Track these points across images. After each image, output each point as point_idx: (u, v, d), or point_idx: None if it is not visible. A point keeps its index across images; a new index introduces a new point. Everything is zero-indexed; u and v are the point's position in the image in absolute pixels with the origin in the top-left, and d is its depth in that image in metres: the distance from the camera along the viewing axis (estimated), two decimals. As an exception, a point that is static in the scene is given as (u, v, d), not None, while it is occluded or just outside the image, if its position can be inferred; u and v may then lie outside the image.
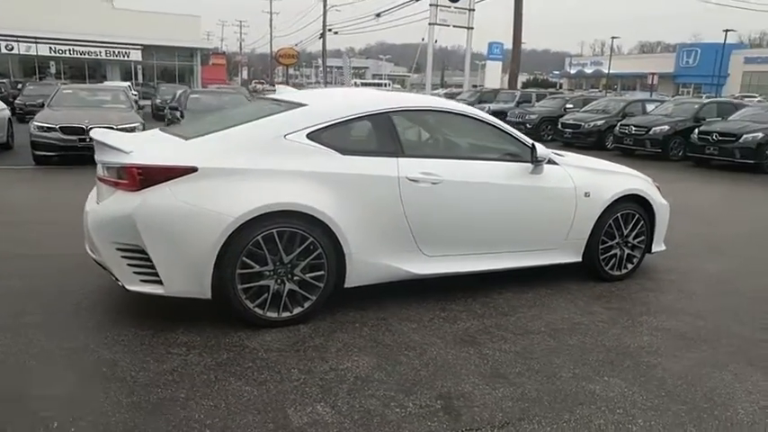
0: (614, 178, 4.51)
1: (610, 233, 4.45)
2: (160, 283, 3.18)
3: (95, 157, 3.51)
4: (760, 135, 12.04)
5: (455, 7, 27.35)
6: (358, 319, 3.59)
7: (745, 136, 12.14)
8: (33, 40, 31.97)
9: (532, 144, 4.07)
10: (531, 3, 28.08)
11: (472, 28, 28.36)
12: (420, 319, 3.65)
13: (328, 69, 71.36)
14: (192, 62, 38.56)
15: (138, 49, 34.46)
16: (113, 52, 34.08)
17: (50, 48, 32.82)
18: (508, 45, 62.83)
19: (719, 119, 14.15)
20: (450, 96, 32.00)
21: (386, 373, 2.94)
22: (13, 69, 33.07)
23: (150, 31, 33.78)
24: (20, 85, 23.69)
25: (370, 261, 3.57)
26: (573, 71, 64.60)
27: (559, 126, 16.92)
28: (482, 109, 21.88)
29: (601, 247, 4.42)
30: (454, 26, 28.02)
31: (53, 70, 33.29)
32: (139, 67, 36.37)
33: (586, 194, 4.27)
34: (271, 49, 70.63)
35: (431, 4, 26.70)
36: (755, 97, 39.12)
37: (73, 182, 8.36)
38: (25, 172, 9.44)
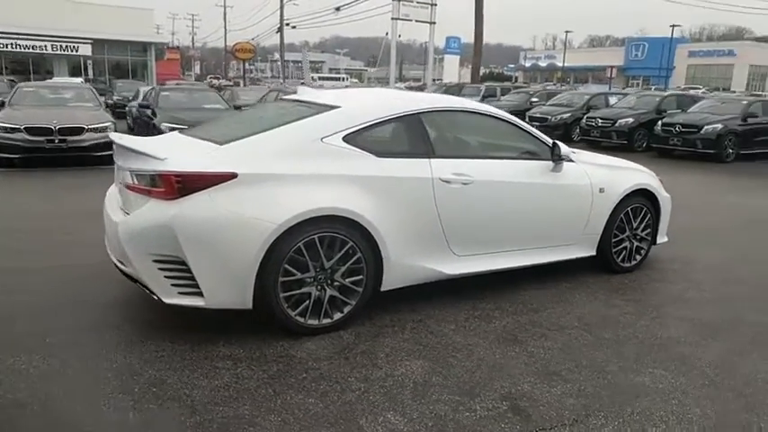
0: (625, 174, 4.64)
1: (621, 227, 4.58)
2: (200, 295, 3.07)
3: (119, 163, 3.35)
4: (719, 126, 12.64)
5: (417, 2, 27.39)
6: (396, 322, 3.57)
7: (706, 127, 12.71)
8: (-31, 33, 30.08)
9: (553, 142, 4.13)
10: (483, -3, 28.47)
11: (434, 23, 28.42)
12: (456, 319, 3.66)
13: (285, 64, 70.24)
14: (146, 57, 37.14)
15: (87, 43, 32.88)
16: (60, 46, 32.38)
17: (-10, 41, 30.93)
18: (465, 39, 63.55)
19: (679, 111, 14.78)
20: (415, 90, 32.12)
21: (442, 376, 2.93)
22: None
23: (101, 24, 32.29)
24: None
25: (405, 263, 3.55)
26: (528, 65, 65.98)
27: (527, 120, 17.24)
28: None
29: (613, 240, 4.55)
30: (417, 21, 28.09)
31: (-9, 66, 31.42)
32: (90, 62, 34.75)
33: (601, 190, 4.38)
34: (225, 43, 68.98)
35: (393, -1, 26.66)
36: (699, 89, 41.05)
37: (47, 186, 7.96)
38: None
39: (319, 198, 3.21)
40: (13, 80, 21.05)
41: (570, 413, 2.63)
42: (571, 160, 4.28)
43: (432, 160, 3.64)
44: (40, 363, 2.91)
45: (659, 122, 13.79)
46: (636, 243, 4.71)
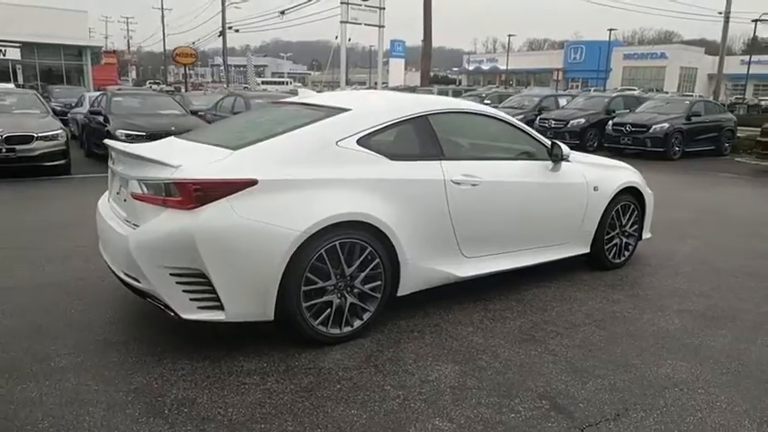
0: (615, 172, 4.79)
1: (612, 224, 4.72)
2: (221, 308, 2.92)
3: (121, 171, 3.15)
4: (666, 125, 13.34)
5: (366, 5, 27.46)
6: (413, 327, 3.53)
7: (654, 127, 13.38)
8: None
9: (552, 142, 4.22)
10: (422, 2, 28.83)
11: (383, 26, 28.62)
12: (471, 321, 3.66)
13: (222, 69, 68.49)
14: (82, 61, 35.36)
15: (16, 46, 30.97)
16: (-15, 50, 30.41)
17: None
18: (409, 42, 64.07)
19: (627, 111, 15.48)
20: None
21: (475, 379, 2.92)
22: None
23: (30, 26, 30.49)
24: None
25: (420, 267, 3.52)
26: (471, 68, 67.45)
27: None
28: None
29: (605, 237, 4.69)
30: (366, 24, 28.19)
31: None
32: (19, 66, 32.75)
33: (595, 189, 4.50)
34: (164, 47, 66.75)
35: (342, 2, 26.59)
36: (635, 90, 43.22)
37: (1, 200, 7.41)
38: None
39: (340, 203, 3.13)
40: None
41: (609, 408, 2.68)
42: (568, 160, 4.37)
43: (443, 162, 3.63)
44: (51, 389, 2.68)
45: (610, 122, 14.41)
46: (624, 239, 4.88)
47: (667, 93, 41.13)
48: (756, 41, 45.48)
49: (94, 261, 4.62)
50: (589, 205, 4.48)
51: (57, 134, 9.30)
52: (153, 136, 10.23)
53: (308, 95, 4.06)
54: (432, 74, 75.88)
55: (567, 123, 15.27)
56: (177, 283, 2.87)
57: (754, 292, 4.38)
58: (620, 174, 4.81)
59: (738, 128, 15.29)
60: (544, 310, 3.90)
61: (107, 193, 3.83)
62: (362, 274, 3.26)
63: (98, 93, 13.67)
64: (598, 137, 15.03)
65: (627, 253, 4.93)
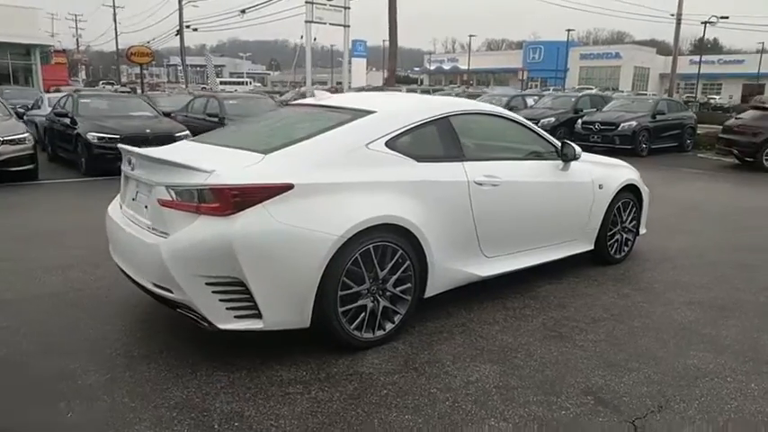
0: (617, 170, 4.92)
1: (614, 220, 4.85)
2: (258, 317, 2.85)
3: (144, 177, 3.03)
4: (634, 123, 13.79)
5: (331, 5, 27.31)
6: (441, 328, 3.53)
7: (622, 125, 13.82)
8: None
9: (563, 142, 4.30)
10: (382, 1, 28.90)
11: (349, 26, 28.53)
12: (494, 319, 3.69)
13: (179, 69, 66.57)
14: (30, 61, 33.85)
15: (-42, 45, 29.42)
16: (-76, 50, 28.69)
17: None
18: (371, 42, 63.97)
19: (594, 109, 15.93)
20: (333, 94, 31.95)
21: (517, 378, 2.94)
22: None
23: (-26, 24, 29.01)
24: None
25: (446, 268, 3.53)
26: (432, 67, 68.01)
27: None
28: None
29: (608, 234, 4.81)
30: (331, 24, 28.03)
31: None
32: (-39, 66, 31.10)
33: (600, 187, 4.62)
34: (117, 46, 64.57)
35: (306, 2, 26.38)
36: (592, 89, 44.48)
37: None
38: None
39: (374, 206, 3.10)
40: None
41: (651, 401, 2.75)
42: (577, 159, 4.44)
43: (465, 163, 3.65)
44: (88, 409, 2.55)
45: (579, 121, 14.80)
46: (625, 235, 5.02)
47: (622, 92, 42.54)
48: (702, 42, 47.58)
49: (91, 270, 4.46)
50: (595, 203, 4.59)
51: (23, 138, 8.88)
52: (128, 140, 9.93)
53: (324, 97, 4.00)
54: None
55: (538, 122, 15.49)
56: (213, 292, 2.78)
57: (750, 282, 4.58)
58: (621, 172, 4.95)
59: (694, 125, 15.95)
60: (561, 306, 3.97)
61: (117, 198, 3.69)
62: (394, 277, 3.25)
63: (61, 94, 13.08)
64: (567, 135, 15.39)
65: (626, 248, 5.08)
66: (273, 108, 13.04)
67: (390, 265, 3.21)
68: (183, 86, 44.70)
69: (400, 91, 23.20)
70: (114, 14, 63.75)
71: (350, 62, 63.13)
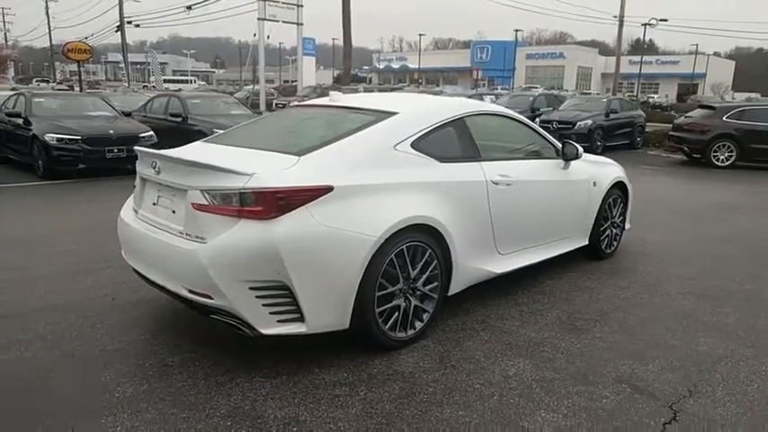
0: (606, 168, 5.14)
1: (604, 216, 5.07)
2: (301, 320, 2.82)
3: (180, 181, 2.93)
4: (590, 122, 14.37)
5: (283, 2, 26.96)
6: (461, 325, 3.61)
7: (579, 123, 14.36)
8: None
9: (564, 142, 4.46)
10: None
11: (302, 24, 28.28)
12: (511, 315, 3.80)
13: (120, 66, 63.65)
14: (-42, 57, 31.65)
15: None
16: None
17: None
18: (320, 40, 63.31)
19: (551, 108, 16.47)
20: (288, 93, 31.55)
21: (551, 370, 3.05)
22: None
23: None
24: None
25: (467, 266, 3.60)
26: (381, 66, 68.24)
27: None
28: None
29: (600, 229, 5.02)
30: (284, 22, 27.67)
31: None
32: None
33: (594, 184, 4.82)
34: (51, 41, 61.34)
35: (259, -1, 25.93)
36: (538, 88, 45.92)
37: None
38: None
39: (408, 207, 3.14)
40: None
41: (680, 386, 2.91)
42: (578, 159, 4.61)
43: (482, 163, 3.73)
44: (138, 422, 2.46)
45: (537, 120, 15.24)
46: (614, 230, 5.25)
47: (567, 91, 44.09)
48: (640, 43, 49.94)
49: (86, 278, 4.27)
50: (591, 200, 4.79)
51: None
52: (90, 140, 9.50)
53: (339, 98, 3.98)
54: (341, 72, 76.07)
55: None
56: (257, 297, 2.74)
57: (731, 272, 4.90)
58: (611, 169, 5.18)
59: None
60: (568, 300, 4.13)
61: (130, 202, 3.55)
62: (424, 276, 3.29)
63: (9, 92, 12.33)
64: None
65: (615, 243, 5.32)
66: (239, 107, 12.78)
67: (421, 264, 3.25)
68: (126, 85, 42.92)
69: (357, 90, 23.20)
70: (47, 8, 60.47)
71: (294, 59, 62.56)
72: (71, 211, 7.04)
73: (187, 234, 2.89)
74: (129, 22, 44.82)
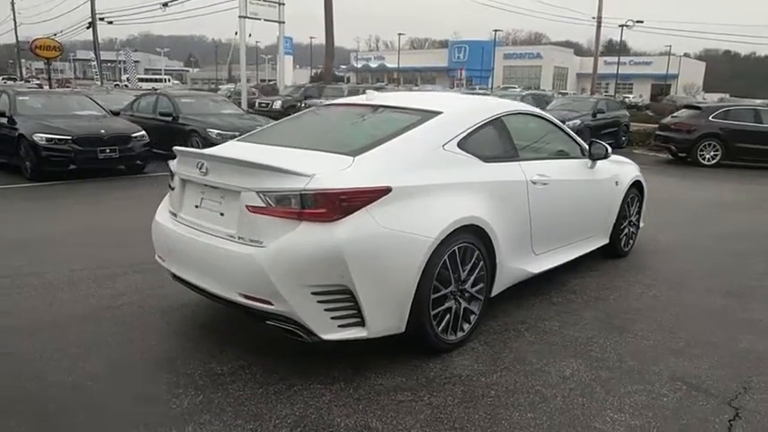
0: (625, 167, 5.20)
1: (623, 215, 5.12)
2: (362, 324, 2.77)
3: (231, 183, 2.83)
4: (578, 122, 14.54)
5: (265, 0, 26.64)
6: (506, 326, 3.59)
7: (568, 123, 14.46)
8: None
9: (592, 141, 4.50)
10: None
11: (284, 22, 27.95)
12: (550, 315, 3.80)
13: (90, 64, 62.09)
14: None
15: None
16: None
17: None
18: (297, 39, 62.92)
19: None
20: (267, 92, 31.21)
21: (606, 370, 3.05)
22: None
23: None
24: None
25: (509, 266, 3.59)
26: (359, 65, 68.09)
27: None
28: (314, 105, 21.79)
29: (620, 228, 5.07)
30: (265, 20, 27.34)
31: None
32: None
33: (616, 183, 4.87)
34: (17, 38, 59.41)
35: (240, -4, 25.53)
36: (516, 88, 46.34)
37: None
38: None
39: (459, 208, 3.11)
40: None
41: (734, 383, 2.95)
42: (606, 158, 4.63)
43: (521, 163, 3.72)
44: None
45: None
46: (631, 229, 5.31)
47: (544, 90, 44.65)
48: (613, 44, 50.85)
49: (106, 284, 4.13)
50: (613, 198, 4.84)
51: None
52: (81, 141, 9.21)
53: (375, 97, 3.91)
54: (318, 71, 75.62)
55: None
56: (319, 302, 2.67)
57: (748, 269, 5.01)
58: (630, 168, 5.23)
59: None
60: (602, 299, 4.15)
61: (165, 205, 3.43)
62: (472, 278, 3.26)
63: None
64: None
65: (632, 242, 5.38)
66: (230, 106, 12.55)
67: (470, 266, 3.22)
68: (98, 83, 41.85)
69: (342, 88, 23.08)
70: (12, 3, 58.55)
71: (272, 58, 61.64)
72: (66, 213, 6.80)
73: (240, 238, 2.80)
74: (102, 19, 43.77)
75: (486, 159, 3.48)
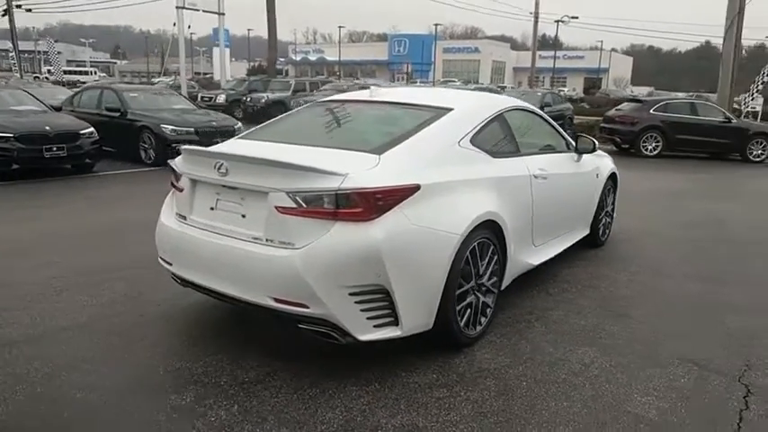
0: (603, 160, 5.41)
1: (602, 206, 5.34)
2: (396, 324, 2.75)
3: (258, 183, 2.73)
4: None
5: (203, -11, 25.71)
6: (514, 318, 3.68)
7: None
8: None
9: (578, 136, 4.65)
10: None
11: (223, 13, 27.15)
12: (551, 306, 3.93)
13: (8, 55, 57.81)
14: None
15: None
16: None
17: None
18: (233, 31, 61.35)
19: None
20: (205, 85, 30.21)
21: (619, 355, 3.19)
22: None
23: None
24: None
25: (516, 259, 3.67)
26: (298, 58, 67.09)
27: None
28: (260, 99, 21.26)
29: (598, 218, 5.29)
30: (204, 11, 26.41)
31: None
32: None
33: (597, 176, 5.07)
34: None
35: (178, -14, 24.52)
36: (456, 81, 47.19)
37: None
38: None
39: (479, 204, 3.15)
40: None
41: (737, 361, 3.16)
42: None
43: (523, 158, 3.81)
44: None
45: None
46: (607, 219, 5.55)
47: (482, 84, 45.67)
48: (546, 39, 52.67)
49: (91, 293, 3.88)
50: (595, 190, 5.04)
51: None
52: (24, 138, 8.57)
53: (380, 93, 3.85)
54: (254, 64, 73.79)
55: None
56: (356, 302, 2.63)
57: (713, 253, 5.38)
58: (607, 161, 5.46)
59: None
60: (594, 287, 4.33)
61: (170, 207, 3.27)
62: (488, 272, 3.31)
63: None
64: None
65: (608, 231, 5.62)
66: (181, 100, 12.00)
67: (487, 260, 3.27)
68: (17, 75, 39.00)
69: (290, 84, 22.67)
70: None
71: (206, 50, 59.55)
72: (18, 218, 6.29)
73: (268, 240, 2.71)
74: (19, 6, 40.84)
75: (495, 155, 3.54)
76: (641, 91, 39.38)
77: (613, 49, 65.10)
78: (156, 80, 42.45)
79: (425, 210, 2.82)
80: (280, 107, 21.43)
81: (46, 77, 52.29)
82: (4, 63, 67.87)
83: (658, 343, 3.36)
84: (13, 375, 2.79)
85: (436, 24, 49.68)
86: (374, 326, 2.71)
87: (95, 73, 67.09)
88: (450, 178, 3.06)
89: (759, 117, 17.15)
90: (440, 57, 59.03)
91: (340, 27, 59.52)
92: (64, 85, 26.51)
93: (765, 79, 17.25)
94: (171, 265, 3.19)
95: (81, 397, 2.63)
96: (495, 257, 3.36)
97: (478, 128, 3.46)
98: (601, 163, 5.24)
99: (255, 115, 19.47)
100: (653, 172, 11.07)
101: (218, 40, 29.18)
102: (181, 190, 3.16)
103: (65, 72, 54.35)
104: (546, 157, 4.15)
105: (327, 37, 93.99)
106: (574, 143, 4.71)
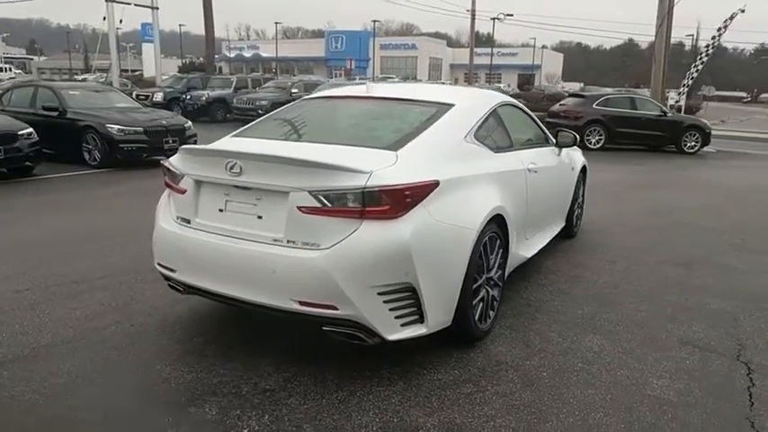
0: (576, 153, 5.58)
1: (575, 198, 5.52)
2: (421, 321, 2.72)
3: (277, 183, 2.61)
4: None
5: (136, -17, 24.51)
6: (518, 310, 3.74)
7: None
8: None
9: (558, 130, 4.78)
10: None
11: (157, 8, 26.01)
12: (547, 297, 4.02)
13: None
14: None
15: None
16: None
17: None
18: (162, 26, 58.87)
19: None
20: (136, 82, 28.85)
21: (624, 341, 3.31)
22: None
23: None
24: None
25: (513, 252, 3.72)
26: (232, 55, 65.25)
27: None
28: (200, 97, 20.52)
29: (573, 209, 5.48)
30: (136, 5, 25.20)
31: None
32: None
33: (572, 168, 5.24)
34: None
35: (108, -22, 23.25)
36: (394, 78, 47.35)
37: None
38: None
39: (489, 198, 3.17)
40: None
41: (731, 342, 3.34)
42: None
43: (518, 152, 3.87)
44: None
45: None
46: (578, 210, 5.75)
47: (420, 80, 46.18)
48: (479, 36, 53.91)
49: (71, 304, 3.62)
50: (571, 183, 5.20)
51: None
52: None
53: (376, 89, 3.78)
54: (187, 60, 71.03)
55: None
56: (385, 302, 2.58)
57: (676, 239, 5.69)
58: (578, 155, 5.64)
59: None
60: (579, 277, 4.47)
61: (169, 211, 3.07)
62: (495, 266, 3.34)
63: None
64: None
65: (579, 222, 5.83)
66: (123, 98, 11.35)
67: (494, 254, 3.30)
68: None
69: (231, 82, 22.01)
70: None
71: (133, 46, 56.97)
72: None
73: (290, 241, 2.60)
74: None
75: (495, 150, 3.57)
76: (572, 87, 41.18)
77: (544, 46, 67.63)
78: (81, 77, 40.02)
79: (445, 206, 2.80)
80: (221, 105, 20.84)
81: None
82: None
83: (656, 327, 3.51)
84: (8, 398, 2.55)
85: (374, 21, 49.83)
86: (401, 324, 2.67)
87: (11, 70, 62.48)
88: (463, 174, 3.06)
89: (683, 110, 18.37)
90: (378, 53, 59.11)
91: (276, 23, 58.42)
92: (-25, 84, 24.52)
93: (694, 76, 18.47)
94: (174, 271, 3.00)
95: (91, 418, 2.44)
96: (501, 251, 3.40)
97: (480, 123, 3.48)
98: (574, 156, 5.42)
99: (196, 113, 18.78)
100: (600, 164, 11.54)
101: (152, 36, 28.05)
102: (182, 191, 2.98)
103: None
104: (535, 151, 4.23)
105: (261, 33, 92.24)
106: (553, 138, 4.85)
